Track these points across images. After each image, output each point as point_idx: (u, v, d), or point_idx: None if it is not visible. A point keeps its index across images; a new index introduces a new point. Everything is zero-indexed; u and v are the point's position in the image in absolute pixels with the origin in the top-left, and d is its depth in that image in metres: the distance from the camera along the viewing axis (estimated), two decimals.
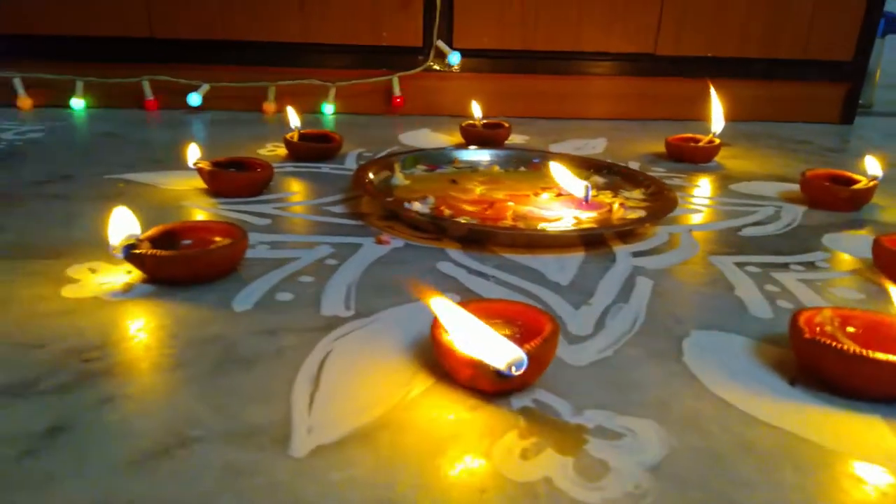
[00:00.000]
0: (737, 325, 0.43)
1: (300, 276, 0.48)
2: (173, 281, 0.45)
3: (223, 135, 0.95)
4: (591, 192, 0.63)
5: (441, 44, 1.09)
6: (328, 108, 1.10)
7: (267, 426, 0.31)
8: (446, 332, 0.34)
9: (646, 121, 1.14)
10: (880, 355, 0.34)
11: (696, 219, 0.64)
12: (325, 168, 0.77)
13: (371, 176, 0.65)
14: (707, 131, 0.87)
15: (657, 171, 0.81)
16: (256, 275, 0.48)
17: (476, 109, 0.94)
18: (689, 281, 0.50)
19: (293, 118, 0.83)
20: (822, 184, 0.68)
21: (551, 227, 0.57)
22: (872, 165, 0.70)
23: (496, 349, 0.32)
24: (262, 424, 0.31)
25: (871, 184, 0.69)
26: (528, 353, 0.32)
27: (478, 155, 0.78)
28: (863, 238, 0.60)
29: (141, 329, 0.40)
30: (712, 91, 0.89)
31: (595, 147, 0.95)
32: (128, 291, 0.45)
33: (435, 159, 0.76)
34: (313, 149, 0.80)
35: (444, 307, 0.33)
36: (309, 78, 1.09)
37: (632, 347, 0.40)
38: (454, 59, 1.09)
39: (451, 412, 0.33)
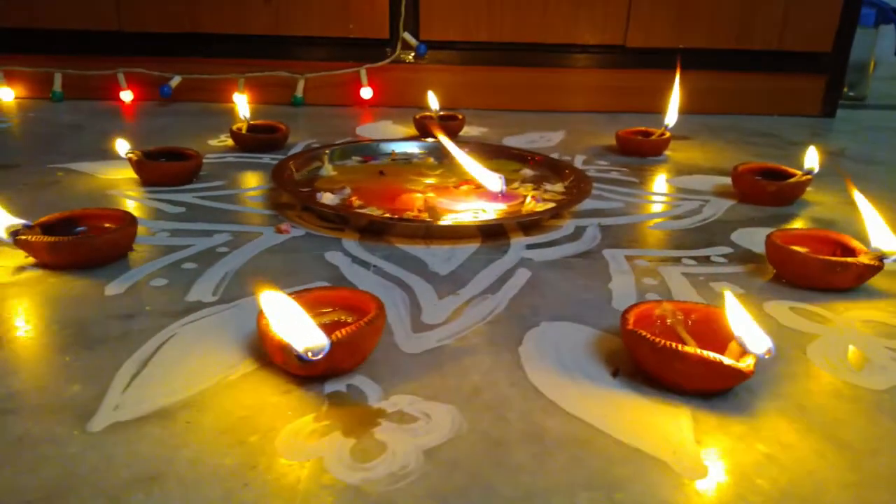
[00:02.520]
0: (593, 317, 0.43)
1: (185, 262, 0.50)
2: (62, 265, 0.47)
3: (184, 125, 0.97)
4: (506, 185, 0.63)
5: (408, 36, 1.10)
6: (298, 100, 1.12)
7: (79, 404, 0.33)
8: (266, 318, 0.35)
9: (617, 113, 1.13)
10: (689, 349, 0.34)
11: (613, 212, 0.64)
12: (267, 158, 0.79)
13: (292, 167, 0.67)
14: (677, 123, 0.87)
15: (599, 165, 0.81)
16: (144, 260, 0.50)
17: (433, 101, 0.95)
18: (569, 273, 0.50)
19: (242, 108, 0.85)
20: (749, 178, 0.68)
21: (454, 219, 0.58)
22: (810, 159, 0.69)
23: (300, 335, 0.33)
24: (76, 402, 0.33)
25: (803, 178, 0.67)
26: (337, 340, 0.33)
27: (413, 147, 0.78)
28: None
29: (11, 308, 0.42)
30: (676, 82, 0.88)
31: (550, 140, 0.95)
32: (17, 274, 0.47)
33: (371, 151, 0.77)
34: (258, 139, 0.82)
35: (271, 298, 0.34)
36: (278, 70, 1.11)
37: (475, 337, 0.40)
38: (421, 50, 1.10)
39: (262, 395, 0.34)
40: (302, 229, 0.57)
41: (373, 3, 1.08)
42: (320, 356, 0.33)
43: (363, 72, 1.11)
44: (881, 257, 0.47)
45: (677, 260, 0.53)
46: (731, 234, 0.59)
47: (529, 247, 0.55)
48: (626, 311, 0.38)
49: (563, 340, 0.40)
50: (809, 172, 0.68)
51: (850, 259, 0.46)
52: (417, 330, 0.41)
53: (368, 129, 0.98)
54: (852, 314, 0.45)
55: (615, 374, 0.37)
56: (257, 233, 0.56)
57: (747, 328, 0.34)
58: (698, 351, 0.34)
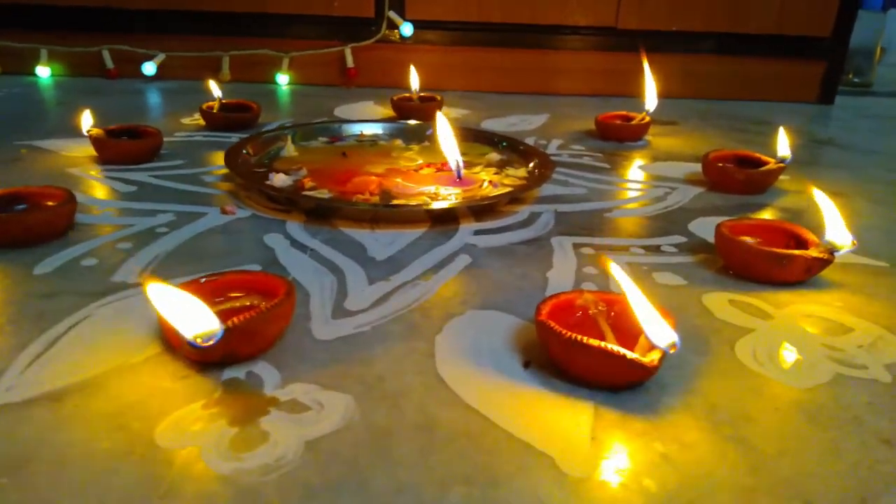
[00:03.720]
0: (521, 306, 0.42)
1: (121, 242, 0.49)
2: None
3: (162, 103, 0.96)
4: (467, 168, 0.62)
5: (393, 14, 1.08)
6: (282, 79, 1.11)
7: None
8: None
9: (608, 97, 1.11)
10: (593, 341, 0.33)
11: (574, 198, 0.62)
12: (236, 138, 0.78)
13: (249, 149, 0.66)
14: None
15: (574, 150, 0.79)
16: (81, 239, 0.49)
17: (414, 80, 0.93)
18: (510, 260, 0.49)
19: (214, 89, 0.84)
20: (717, 166, 0.66)
21: (409, 202, 0.57)
22: (783, 147, 0.67)
23: (190, 321, 0.32)
24: None
25: (776, 167, 0.65)
26: (231, 327, 0.33)
27: (382, 129, 0.77)
28: None
29: None
30: (646, 66, 0.86)
31: (531, 123, 0.93)
32: None
33: (337, 132, 0.76)
34: (228, 118, 0.81)
35: (159, 287, 0.33)
36: (262, 48, 1.10)
37: (395, 324, 0.39)
38: (406, 30, 1.08)
39: (159, 380, 0.34)
40: (249, 210, 0.56)
41: None
42: (212, 342, 0.32)
43: (348, 51, 1.10)
44: (831, 250, 0.45)
45: (626, 249, 0.52)
46: (689, 224, 0.57)
47: (477, 232, 0.54)
48: (543, 301, 0.37)
49: (484, 330, 0.39)
50: (783, 160, 0.66)
51: (796, 251, 0.45)
52: (337, 316, 0.40)
53: (348, 110, 0.96)
54: (795, 308, 0.43)
55: (526, 365, 0.36)
56: (202, 213, 0.55)
57: (652, 320, 0.32)
58: (602, 343, 0.32)
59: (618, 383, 0.34)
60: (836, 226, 0.45)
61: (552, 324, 0.34)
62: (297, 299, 0.40)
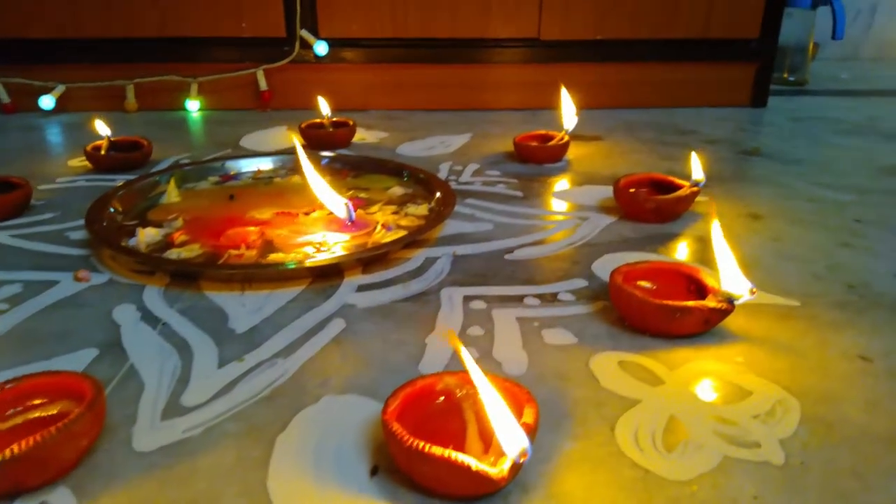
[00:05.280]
0: (389, 386, 0.37)
1: None
2: None
3: (51, 142, 0.90)
4: (366, 207, 0.57)
5: (306, 33, 1.03)
6: (192, 105, 1.05)
7: None
8: None
9: (536, 110, 1.07)
10: (436, 450, 0.28)
11: (477, 237, 0.58)
12: (122, 180, 0.72)
13: (116, 204, 0.59)
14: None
15: (488, 176, 0.75)
16: None
17: (323, 106, 0.88)
18: (389, 323, 0.44)
19: (101, 127, 0.78)
20: (627, 193, 0.62)
21: (282, 257, 0.52)
22: (696, 170, 0.63)
23: None
24: None
25: (689, 192, 0.62)
26: (7, 459, 0.27)
27: (280, 162, 0.72)
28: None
29: None
30: (563, 92, 0.82)
31: (450, 146, 0.88)
32: None
33: (230, 169, 0.71)
34: (114, 159, 0.75)
35: None
36: (168, 74, 1.03)
37: (232, 423, 0.34)
38: (321, 49, 1.03)
39: None
40: (107, 274, 0.51)
41: None
42: None
43: (260, 73, 1.04)
44: (730, 299, 0.41)
45: (520, 299, 0.47)
46: (594, 263, 0.53)
47: (361, 287, 0.49)
48: (397, 391, 0.33)
49: (338, 423, 0.34)
50: (696, 184, 0.62)
51: (691, 303, 0.41)
52: (169, 415, 0.35)
53: (256, 138, 0.91)
54: (690, 368, 0.39)
55: (373, 472, 0.31)
56: (54, 281, 0.50)
57: (502, 421, 0.28)
58: (445, 452, 0.28)
59: (468, 495, 0.29)
60: (732, 273, 0.41)
61: (394, 426, 0.29)
62: (129, 394, 0.35)
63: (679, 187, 0.63)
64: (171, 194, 0.64)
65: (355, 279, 0.50)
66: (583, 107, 1.00)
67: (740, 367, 0.39)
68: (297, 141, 0.58)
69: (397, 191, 0.66)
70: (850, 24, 1.64)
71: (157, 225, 0.57)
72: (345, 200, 0.57)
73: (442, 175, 0.75)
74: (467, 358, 0.30)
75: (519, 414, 0.31)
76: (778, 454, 0.32)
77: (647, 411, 0.35)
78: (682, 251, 0.56)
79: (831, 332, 0.43)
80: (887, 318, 0.45)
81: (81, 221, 0.58)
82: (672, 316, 0.41)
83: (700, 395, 0.37)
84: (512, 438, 0.28)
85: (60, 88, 1.02)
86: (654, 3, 1.04)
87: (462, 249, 0.56)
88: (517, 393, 0.32)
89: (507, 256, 0.54)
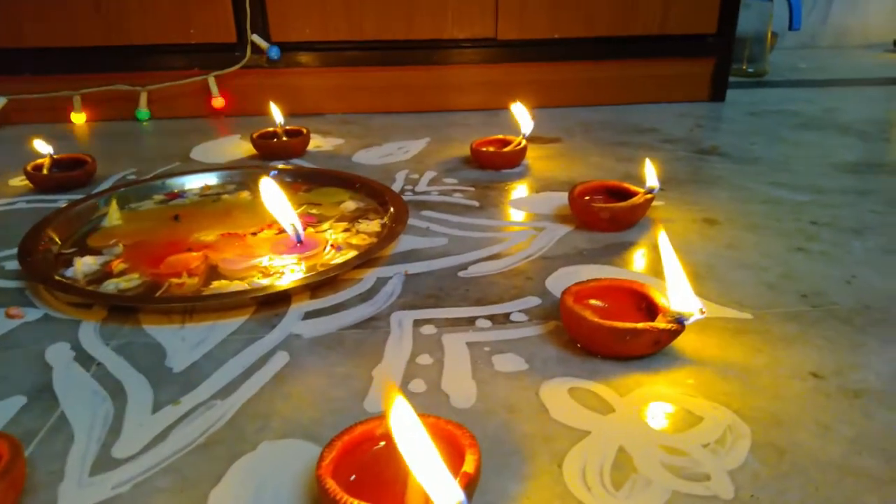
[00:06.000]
0: (329, 429, 0.36)
1: None
2: None
3: (2, 156, 0.87)
4: (304, 230, 0.55)
5: (257, 38, 1.00)
6: (143, 115, 1.01)
7: None
8: None
9: (497, 111, 1.06)
10: None
11: (430, 253, 0.57)
12: (63, 201, 0.69)
13: (52, 235, 0.57)
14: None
15: (445, 184, 0.74)
16: None
17: (276, 114, 0.86)
18: (334, 354, 0.43)
19: (41, 146, 0.75)
20: (582, 202, 0.61)
21: (226, 284, 0.50)
22: (650, 175, 0.62)
23: None
24: None
25: (643, 199, 0.61)
26: None
27: (228, 177, 0.70)
28: (594, 274, 0.53)
29: None
30: (516, 103, 0.81)
31: (408, 151, 0.87)
32: None
33: (175, 187, 0.68)
34: (55, 179, 0.72)
35: None
36: (116, 83, 1.00)
37: (164, 477, 0.33)
38: (273, 53, 1.00)
39: None
40: (43, 309, 0.48)
41: (214, 3, 0.97)
42: None
43: (212, 80, 1.01)
44: (680, 319, 0.41)
45: (472, 321, 0.46)
46: (547, 278, 0.52)
47: (308, 315, 0.47)
48: (334, 440, 0.31)
49: (275, 472, 0.33)
50: (651, 191, 0.61)
51: (640, 325, 0.40)
52: (98, 470, 0.33)
53: (207, 149, 0.88)
54: (640, 393, 0.38)
55: None
56: None
57: (434, 477, 0.27)
58: None
59: None
60: (682, 292, 0.41)
61: (327, 483, 0.28)
62: (57, 447, 0.33)
63: (634, 194, 0.62)
64: (113, 217, 0.61)
65: (302, 305, 0.49)
66: (541, 106, 1.00)
67: (690, 390, 0.39)
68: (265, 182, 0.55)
69: (350, 205, 0.64)
70: (808, 13, 1.65)
71: (97, 252, 0.54)
72: (292, 221, 0.55)
73: (398, 185, 0.73)
74: (401, 408, 0.28)
75: (460, 462, 0.29)
76: (727, 488, 0.32)
77: (596, 443, 0.35)
78: (637, 262, 0.55)
79: (783, 347, 0.43)
80: (839, 329, 0.45)
81: (11, 250, 0.55)
82: (622, 338, 0.40)
83: (650, 423, 0.36)
84: (446, 495, 0.26)
85: (2, 101, 0.98)
86: (611, 1, 1.03)
87: (415, 267, 0.54)
88: (459, 437, 0.31)
89: (460, 274, 0.53)
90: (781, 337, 0.44)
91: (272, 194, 0.54)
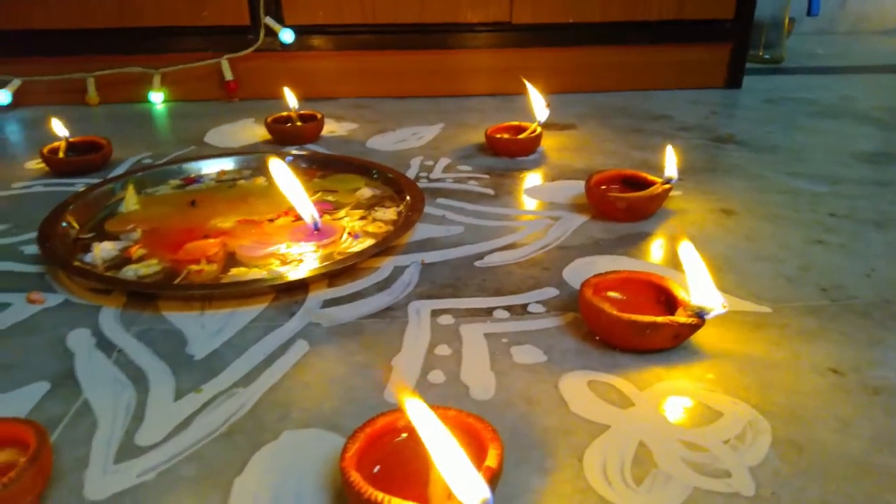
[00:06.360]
0: (352, 418, 0.36)
1: None
2: None
3: (13, 140, 0.87)
4: (321, 217, 0.55)
5: (270, 21, 0.99)
6: (156, 97, 1.01)
7: None
8: None
9: (511, 96, 1.05)
10: (395, 502, 0.27)
11: (447, 242, 0.56)
12: (81, 185, 0.69)
13: (69, 218, 0.57)
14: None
15: (460, 172, 0.73)
16: None
17: (291, 99, 0.85)
18: (354, 343, 0.43)
19: (58, 128, 0.75)
20: (598, 191, 0.61)
21: (244, 271, 0.50)
22: (670, 165, 0.62)
23: None
24: None
25: (661, 189, 0.61)
26: None
27: (244, 163, 0.70)
28: (611, 265, 0.52)
29: None
30: (528, 86, 0.80)
31: (422, 137, 0.86)
32: None
33: (191, 171, 0.68)
34: (71, 163, 0.72)
35: None
36: (130, 65, 1.00)
37: (188, 465, 0.33)
38: (286, 36, 0.99)
39: None
40: (63, 294, 0.49)
41: None
42: None
43: (225, 63, 1.01)
44: (701, 313, 0.41)
45: (489, 312, 0.46)
46: (565, 269, 0.52)
47: (327, 303, 0.48)
48: (357, 432, 0.31)
49: (296, 462, 0.33)
50: (669, 181, 0.61)
51: (661, 319, 0.40)
52: (123, 457, 0.34)
53: (222, 133, 0.88)
54: (660, 388, 0.39)
55: None
56: (6, 304, 0.47)
57: (458, 470, 0.27)
58: None
59: None
60: (703, 287, 0.41)
61: (351, 476, 0.28)
62: (82, 433, 0.34)
63: (651, 183, 0.62)
64: (130, 202, 0.61)
65: (321, 293, 0.49)
66: (556, 91, 0.99)
67: (710, 385, 0.39)
68: (276, 164, 0.55)
69: (365, 192, 0.64)
70: None
71: (115, 237, 0.54)
72: (311, 209, 0.55)
73: (413, 171, 0.73)
74: (413, 406, 0.28)
75: (483, 455, 0.30)
76: (748, 484, 0.32)
77: (617, 438, 0.35)
78: (654, 253, 0.55)
79: (803, 342, 0.43)
80: (858, 324, 0.45)
81: (35, 234, 0.55)
82: (642, 332, 0.40)
83: (670, 418, 0.36)
84: (471, 490, 0.27)
85: (16, 83, 0.98)
86: None
87: (431, 256, 0.54)
88: (481, 430, 0.31)
89: (477, 263, 0.53)
90: (800, 331, 0.44)
91: (284, 177, 0.54)
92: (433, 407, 0.31)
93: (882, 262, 0.53)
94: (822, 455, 0.34)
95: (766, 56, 1.33)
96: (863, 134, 0.86)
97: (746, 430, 0.35)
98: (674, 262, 0.52)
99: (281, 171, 0.53)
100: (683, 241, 0.43)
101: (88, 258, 0.52)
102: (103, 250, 0.52)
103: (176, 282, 0.49)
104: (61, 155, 0.73)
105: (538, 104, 0.78)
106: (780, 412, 0.37)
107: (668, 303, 0.43)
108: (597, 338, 0.43)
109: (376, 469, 0.31)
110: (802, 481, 0.32)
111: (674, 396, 0.38)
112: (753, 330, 0.44)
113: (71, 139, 0.75)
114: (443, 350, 0.42)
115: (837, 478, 0.32)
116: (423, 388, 0.38)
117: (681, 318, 0.40)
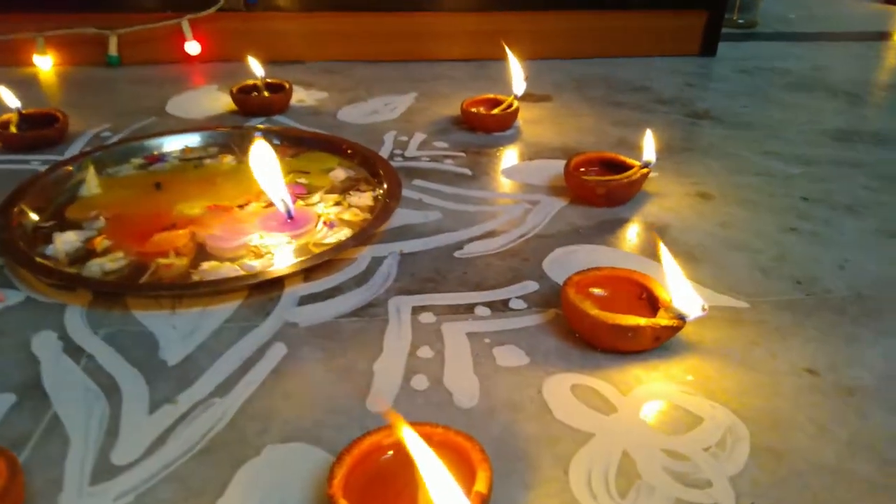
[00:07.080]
0: (335, 430, 0.36)
1: None
2: None
3: None
4: (294, 203, 0.54)
5: None
6: (114, 60, 0.96)
7: None
8: None
9: (487, 62, 1.03)
10: None
11: (425, 230, 0.55)
12: (36, 163, 0.66)
13: (24, 207, 0.54)
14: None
15: (436, 149, 0.72)
16: None
17: (255, 67, 0.82)
18: (332, 345, 0.42)
19: (9, 98, 0.70)
20: (577, 177, 0.60)
21: (215, 266, 0.48)
22: (648, 148, 0.61)
23: None
24: None
25: (639, 174, 0.60)
26: None
27: (210, 139, 0.67)
28: (590, 255, 0.52)
29: None
30: (508, 53, 0.78)
31: (395, 109, 0.84)
32: None
33: (155, 148, 0.65)
34: (25, 139, 0.68)
35: None
36: (84, 25, 0.94)
37: (167, 486, 0.32)
38: None
39: None
40: (24, 291, 0.47)
41: None
42: None
43: (185, 24, 0.96)
44: (681, 316, 0.41)
45: (470, 309, 0.46)
46: (544, 260, 0.52)
47: (303, 300, 0.46)
48: (342, 454, 0.31)
49: (281, 480, 0.33)
50: (647, 165, 0.60)
51: (643, 321, 0.40)
52: (98, 478, 0.33)
53: (184, 101, 0.84)
54: (641, 391, 0.39)
55: None
56: None
57: (446, 494, 0.27)
58: None
59: None
60: (683, 291, 0.41)
61: (340, 502, 0.28)
62: (53, 452, 0.33)
63: (630, 166, 0.61)
64: (91, 185, 0.58)
65: (296, 288, 0.48)
66: (532, 57, 0.97)
67: (690, 388, 0.39)
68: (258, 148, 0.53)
69: (339, 174, 0.62)
70: None
71: (77, 226, 0.52)
72: (282, 195, 0.53)
73: (387, 148, 0.71)
74: (408, 437, 0.28)
75: (472, 477, 0.29)
76: (728, 495, 0.32)
77: (601, 447, 0.35)
78: (633, 241, 0.55)
79: (779, 339, 0.43)
80: (833, 321, 0.45)
81: None
82: (624, 335, 0.40)
83: (652, 425, 0.36)
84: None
85: None
86: None
87: (409, 245, 0.53)
88: (469, 451, 0.31)
89: (456, 254, 0.52)
90: (777, 328, 0.44)
91: (262, 164, 0.52)
92: (420, 424, 0.31)
93: (855, 251, 0.54)
94: (799, 462, 0.34)
95: (741, 21, 1.33)
96: (835, 109, 0.87)
97: (726, 436, 0.36)
98: (653, 252, 0.52)
99: (264, 159, 0.51)
100: (660, 244, 0.43)
101: (50, 251, 0.49)
102: (65, 242, 0.49)
103: (144, 277, 0.47)
104: (13, 129, 0.70)
105: (517, 75, 0.76)
106: (758, 417, 0.37)
107: (650, 300, 0.43)
108: (577, 336, 0.43)
109: (363, 491, 0.31)
110: (780, 491, 0.33)
111: (655, 401, 0.38)
112: (731, 326, 0.44)
113: (23, 111, 0.71)
114: (425, 352, 0.42)
115: (814, 487, 0.33)
116: (406, 396, 0.38)
117: (662, 320, 0.40)
